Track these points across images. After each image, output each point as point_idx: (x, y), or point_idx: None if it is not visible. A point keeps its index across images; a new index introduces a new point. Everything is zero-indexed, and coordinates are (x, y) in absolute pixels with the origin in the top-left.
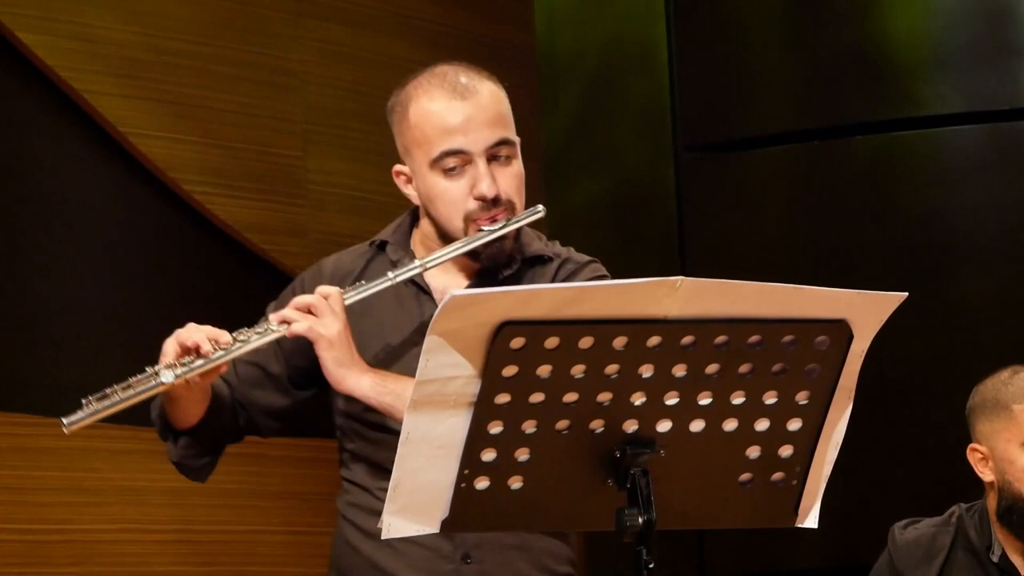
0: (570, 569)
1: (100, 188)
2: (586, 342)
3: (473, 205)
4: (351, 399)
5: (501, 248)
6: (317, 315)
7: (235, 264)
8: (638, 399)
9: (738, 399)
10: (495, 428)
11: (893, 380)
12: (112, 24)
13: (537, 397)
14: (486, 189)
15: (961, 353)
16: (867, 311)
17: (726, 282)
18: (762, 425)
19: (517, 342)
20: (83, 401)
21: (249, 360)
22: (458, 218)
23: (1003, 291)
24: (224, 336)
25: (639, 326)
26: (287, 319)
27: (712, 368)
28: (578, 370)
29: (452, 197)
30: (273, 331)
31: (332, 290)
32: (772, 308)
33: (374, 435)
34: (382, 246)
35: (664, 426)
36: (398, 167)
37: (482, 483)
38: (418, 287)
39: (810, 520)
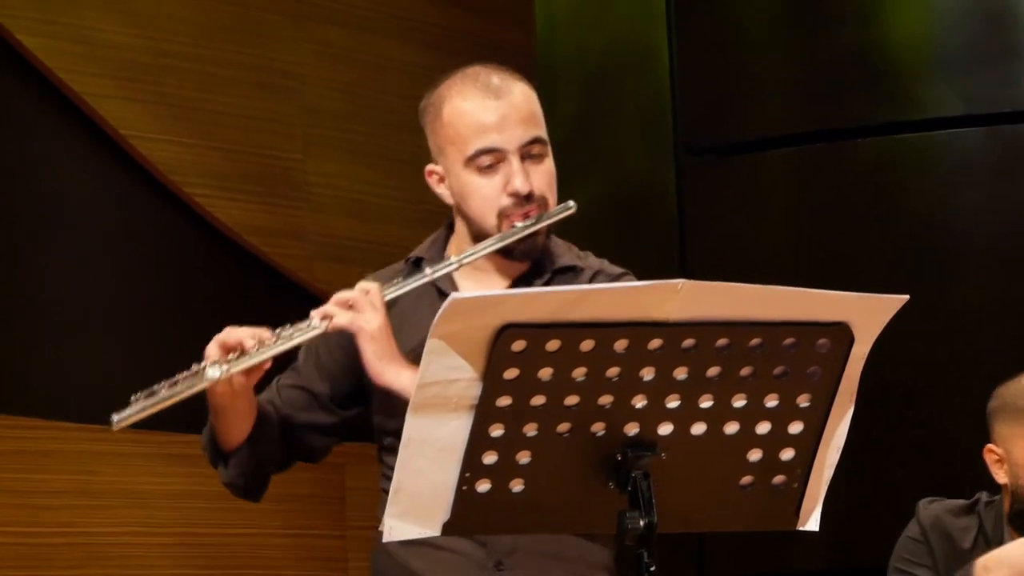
0: (605, 575)
1: (100, 190)
2: (587, 345)
3: (507, 201)
4: (388, 412)
5: (534, 244)
6: (358, 310)
7: (235, 266)
8: (639, 402)
9: (739, 402)
10: (496, 431)
11: (894, 383)
12: (112, 27)
13: (538, 400)
14: (520, 185)
15: (962, 356)
16: (868, 314)
17: (727, 285)
18: (763, 428)
19: (518, 345)
20: (132, 398)
21: (293, 384)
22: (492, 214)
23: (1004, 293)
24: (266, 334)
25: (640, 329)
26: (328, 314)
27: (713, 371)
28: (579, 373)
29: (486, 194)
30: (315, 327)
31: (372, 285)
32: (773, 311)
33: None
34: (418, 263)
35: (665, 429)
36: (430, 167)
37: (483, 486)
38: (441, 292)
39: (811, 523)
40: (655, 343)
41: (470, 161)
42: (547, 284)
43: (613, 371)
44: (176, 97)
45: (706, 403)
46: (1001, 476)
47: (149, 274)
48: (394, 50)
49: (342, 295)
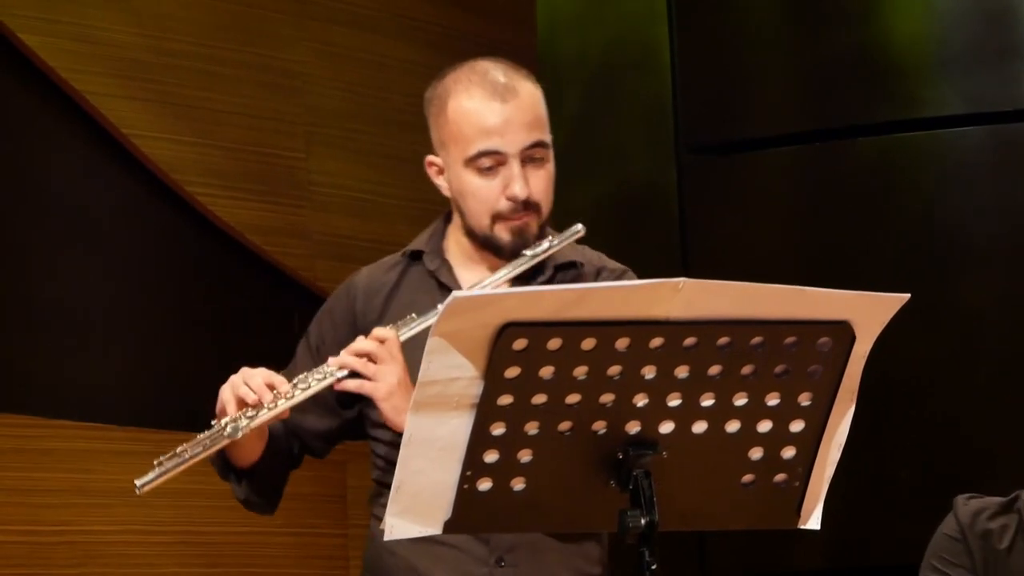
0: (600, 570)
1: (102, 189)
2: (588, 343)
3: (504, 205)
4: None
5: (543, 266)
6: (377, 362)
7: (237, 265)
8: (640, 400)
9: (740, 400)
10: (497, 429)
11: (895, 381)
12: (114, 25)
13: (539, 398)
14: (519, 191)
15: (963, 354)
16: (869, 312)
17: (728, 283)
18: (764, 426)
19: (520, 343)
20: (155, 463)
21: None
22: (487, 216)
23: (1005, 292)
24: (283, 384)
25: (641, 327)
26: (347, 365)
27: (714, 369)
28: (580, 371)
29: (484, 195)
30: (333, 375)
31: (388, 333)
32: (774, 309)
33: None
34: (415, 256)
35: (666, 427)
36: (431, 158)
37: (485, 484)
38: (448, 291)
39: (812, 521)
40: (656, 341)
41: (470, 161)
42: (549, 280)
43: (614, 369)
44: (178, 96)
45: (707, 401)
46: None
47: (150, 273)
48: (396, 49)
49: (360, 346)
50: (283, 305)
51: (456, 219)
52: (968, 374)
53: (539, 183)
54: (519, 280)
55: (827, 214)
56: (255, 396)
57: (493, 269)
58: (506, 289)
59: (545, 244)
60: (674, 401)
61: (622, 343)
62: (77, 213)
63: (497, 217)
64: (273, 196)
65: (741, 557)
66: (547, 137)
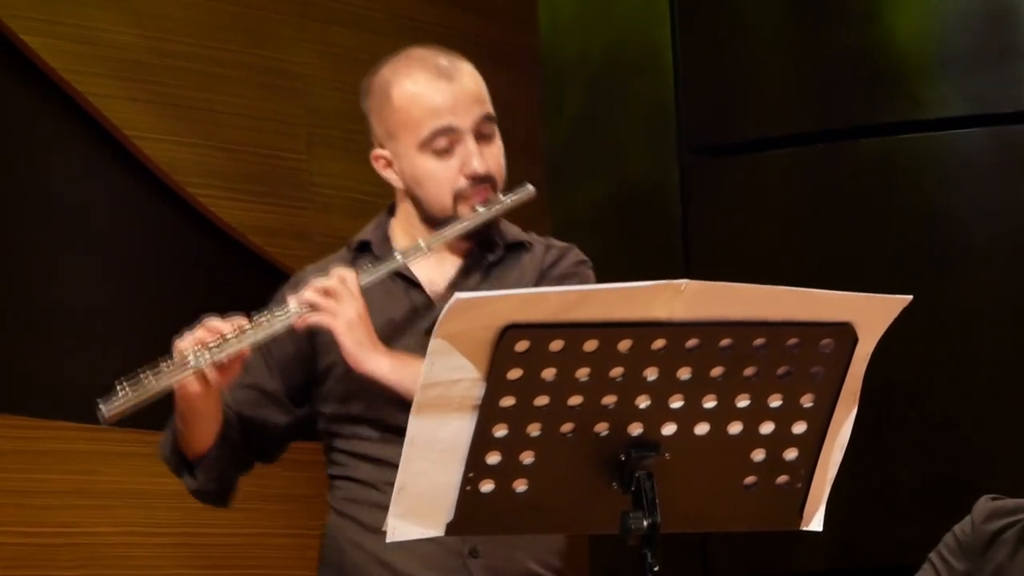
0: (559, 562)
1: (102, 190)
2: (590, 345)
3: (463, 183)
4: (346, 399)
5: (495, 243)
6: (335, 298)
7: (238, 266)
8: (643, 402)
9: (743, 402)
10: (500, 431)
11: (898, 383)
12: (115, 27)
13: (542, 400)
14: (477, 166)
15: (964, 355)
16: (872, 314)
17: (730, 285)
18: (767, 428)
19: (522, 345)
20: (117, 387)
21: (244, 383)
22: (448, 197)
23: (1007, 293)
24: (243, 321)
25: (643, 329)
26: (307, 301)
27: (717, 371)
28: (583, 373)
29: (443, 176)
30: (293, 312)
31: (347, 272)
32: (776, 311)
33: (372, 432)
34: (363, 247)
35: (669, 429)
36: (377, 151)
37: (487, 486)
38: (406, 279)
39: (815, 523)
40: (659, 343)
41: (425, 144)
42: (500, 261)
43: (617, 371)
44: (179, 97)
45: (710, 403)
46: None
47: (151, 274)
48: (397, 50)
49: (319, 283)
50: None
51: (406, 211)
52: (968, 374)
53: (492, 157)
54: (469, 260)
55: (828, 215)
56: (216, 328)
57: (443, 255)
58: (508, 291)
59: (498, 203)
60: (676, 403)
61: (624, 345)
62: (78, 214)
63: (459, 197)
64: (274, 197)
65: (743, 558)
66: (493, 112)
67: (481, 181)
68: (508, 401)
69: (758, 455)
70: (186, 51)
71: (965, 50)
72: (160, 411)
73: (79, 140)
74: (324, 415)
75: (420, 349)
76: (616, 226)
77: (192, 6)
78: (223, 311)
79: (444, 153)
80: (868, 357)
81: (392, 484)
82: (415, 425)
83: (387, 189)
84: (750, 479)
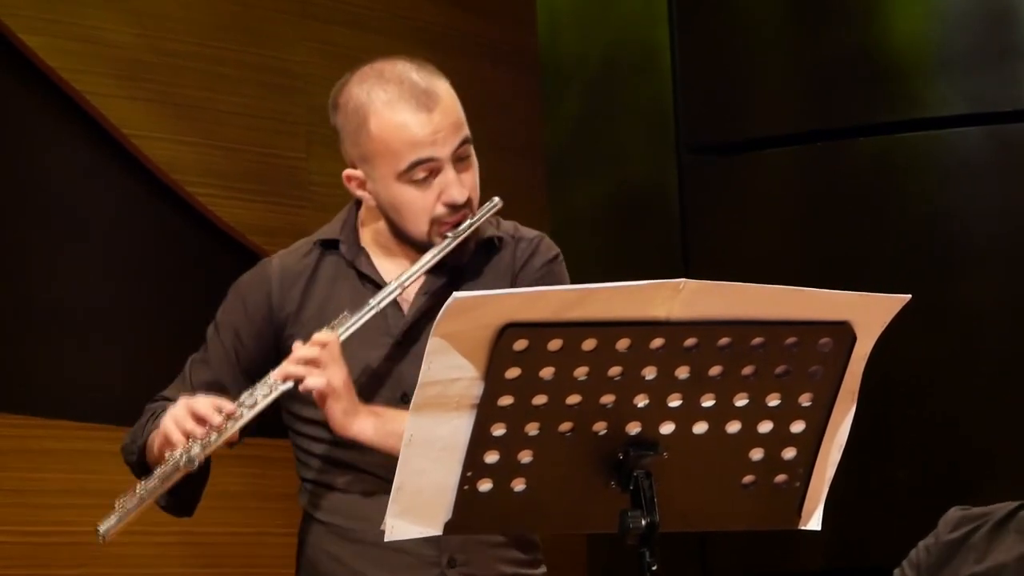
0: (534, 555)
1: (102, 189)
2: (589, 344)
3: (442, 210)
4: (317, 411)
5: (466, 245)
6: (320, 367)
7: (237, 266)
8: (641, 401)
9: (741, 401)
10: (498, 430)
11: (896, 382)
12: (114, 26)
13: (540, 399)
14: (456, 195)
15: (963, 355)
16: (870, 313)
17: (729, 284)
18: (765, 427)
19: (520, 344)
20: (115, 505)
21: (207, 380)
22: (425, 224)
23: (1005, 293)
24: (228, 405)
25: (642, 328)
26: (292, 375)
27: (715, 370)
28: (581, 372)
29: (420, 206)
30: (280, 388)
31: (329, 336)
32: (775, 310)
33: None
34: (328, 244)
35: (667, 428)
36: (350, 172)
37: (485, 485)
38: (375, 285)
39: (813, 522)
40: (657, 342)
41: (403, 175)
42: (472, 259)
43: (615, 370)
44: (178, 96)
45: (708, 402)
46: None
47: (150, 273)
48: (397, 50)
49: (301, 353)
50: None
51: (373, 220)
52: (968, 374)
53: (469, 181)
54: (445, 264)
55: (827, 214)
56: (202, 428)
57: (411, 258)
58: (507, 290)
59: (466, 224)
60: (675, 402)
61: (623, 344)
62: (77, 213)
63: (435, 223)
64: (274, 196)
65: (742, 558)
66: (468, 131)
67: (459, 208)
68: (506, 400)
69: (756, 454)
70: (186, 50)
71: (964, 50)
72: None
73: (78, 139)
74: (298, 417)
75: (389, 358)
76: (615, 225)
77: (192, 5)
78: None
79: (422, 182)
80: (866, 356)
81: (367, 491)
82: (413, 424)
83: None
84: (748, 478)
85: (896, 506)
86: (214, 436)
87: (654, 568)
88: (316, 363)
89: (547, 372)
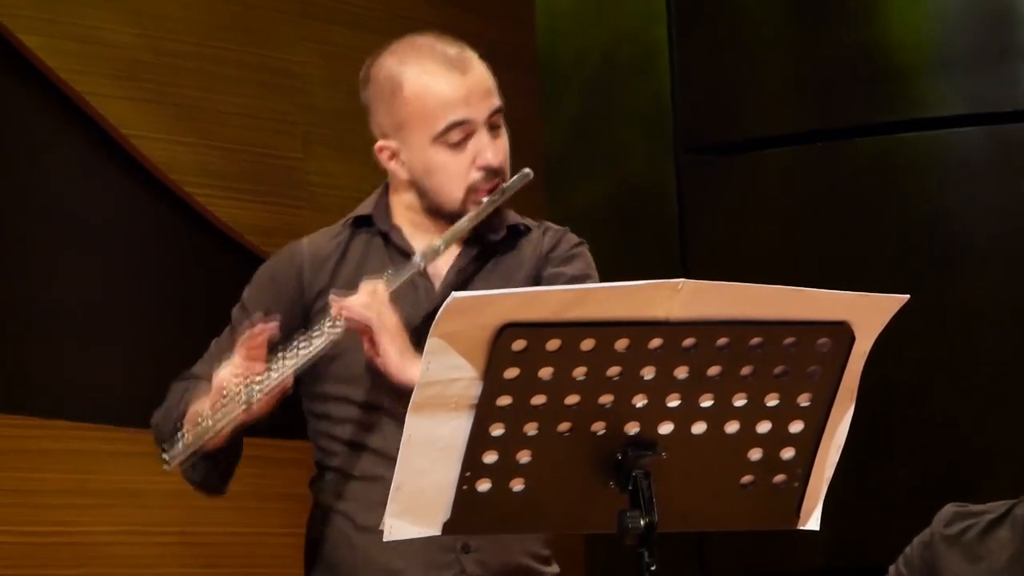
0: (549, 551)
1: (101, 190)
2: (587, 344)
3: (477, 176)
4: (349, 380)
5: (498, 222)
6: (371, 310)
7: (235, 266)
8: (640, 401)
9: (740, 401)
10: (497, 430)
11: (895, 382)
12: (113, 26)
13: (539, 399)
14: (491, 158)
15: (962, 355)
16: (869, 313)
17: (727, 284)
18: (764, 427)
19: (519, 344)
20: (178, 435)
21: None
22: (461, 190)
23: (1005, 293)
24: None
25: (640, 328)
26: (345, 316)
27: (714, 370)
28: (580, 372)
29: (456, 169)
30: (335, 330)
31: (377, 284)
32: (774, 310)
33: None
34: (360, 222)
35: (666, 428)
36: (382, 143)
37: (484, 485)
38: (403, 253)
39: (812, 522)
40: (655, 342)
41: (439, 137)
42: (503, 240)
43: (613, 370)
44: (177, 96)
45: (706, 402)
46: None
47: (149, 273)
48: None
49: (352, 300)
50: None
51: (404, 199)
52: (968, 374)
53: (502, 149)
54: (472, 242)
55: (827, 215)
56: (259, 367)
57: (442, 232)
58: (505, 290)
59: (499, 190)
60: (673, 402)
61: (621, 344)
62: (76, 213)
63: (470, 190)
64: (272, 196)
65: (740, 558)
66: (501, 102)
67: (493, 174)
68: (505, 400)
69: (755, 454)
70: (185, 50)
71: (963, 50)
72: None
73: (77, 139)
74: (320, 395)
75: (417, 330)
76: (614, 225)
77: (191, 5)
78: (220, 309)
79: (457, 146)
80: (865, 356)
81: (388, 478)
82: (412, 424)
83: None
84: (747, 478)
85: (896, 506)
86: (273, 375)
87: (653, 568)
88: (368, 307)
89: (546, 372)
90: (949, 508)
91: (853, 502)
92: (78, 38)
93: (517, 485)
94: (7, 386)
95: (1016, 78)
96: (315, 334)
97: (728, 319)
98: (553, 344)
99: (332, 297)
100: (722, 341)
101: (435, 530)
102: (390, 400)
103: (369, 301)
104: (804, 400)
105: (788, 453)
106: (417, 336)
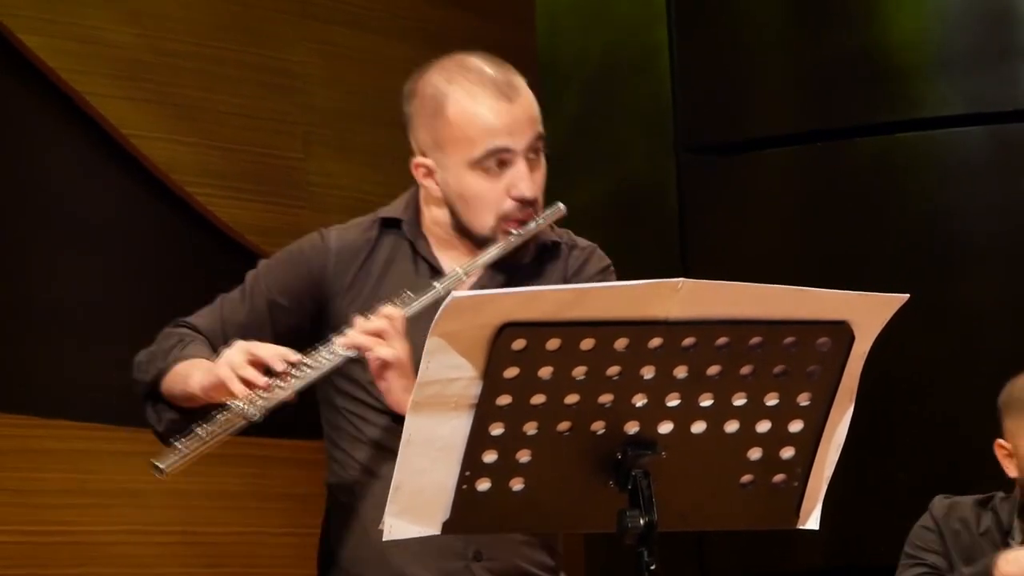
0: (556, 561)
1: (101, 190)
2: (587, 343)
3: (510, 205)
4: (375, 392)
5: (527, 245)
6: (386, 339)
7: (236, 265)
8: (639, 400)
9: (739, 400)
10: (496, 430)
11: (895, 381)
12: (113, 26)
13: (538, 399)
14: (526, 190)
15: (962, 354)
16: (868, 313)
17: (727, 283)
18: (763, 426)
19: (518, 344)
20: (176, 444)
21: (239, 322)
22: (492, 217)
23: (1004, 292)
24: (292, 354)
25: (640, 327)
26: (357, 345)
27: (713, 369)
28: (579, 371)
29: (491, 198)
30: (343, 354)
31: (395, 311)
32: (773, 309)
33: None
34: (390, 223)
35: (665, 427)
36: (420, 160)
37: (483, 485)
38: (428, 263)
39: (811, 521)
40: (655, 342)
41: (477, 163)
42: (534, 262)
43: (613, 370)
44: (177, 96)
45: (706, 402)
46: (1011, 470)
47: (149, 273)
48: (396, 49)
49: (369, 325)
50: None
51: (435, 212)
52: (968, 374)
53: (539, 180)
54: (504, 262)
55: (827, 214)
56: (263, 378)
57: (469, 252)
58: (505, 290)
59: (532, 224)
60: (673, 401)
61: (621, 343)
62: (76, 213)
63: (502, 218)
64: (272, 196)
65: (740, 557)
66: (543, 129)
67: (526, 205)
68: (505, 400)
69: (755, 454)
70: (184, 50)
71: (963, 50)
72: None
73: (78, 139)
74: (345, 394)
75: None
76: (614, 225)
77: (191, 5)
78: None
79: (493, 173)
80: (864, 356)
81: None
82: (412, 424)
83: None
84: (747, 478)
85: (895, 505)
86: (278, 390)
87: (652, 568)
88: (383, 335)
89: (545, 372)
90: (941, 501)
91: (853, 501)
92: (78, 38)
93: (517, 484)
94: (8, 386)
95: (1016, 78)
96: (325, 354)
97: (728, 318)
98: (553, 343)
99: (357, 319)
100: (722, 340)
101: (435, 529)
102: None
103: (385, 329)
104: (804, 399)
105: (788, 452)
106: None
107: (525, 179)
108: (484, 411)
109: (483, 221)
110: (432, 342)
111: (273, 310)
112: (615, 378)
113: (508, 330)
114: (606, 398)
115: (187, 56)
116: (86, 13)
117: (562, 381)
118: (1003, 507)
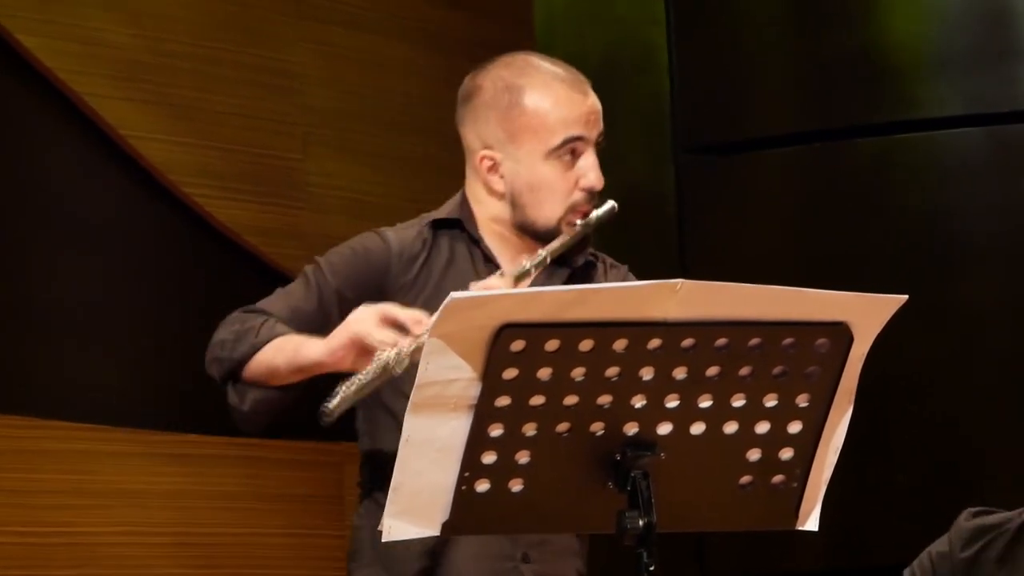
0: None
1: (100, 190)
2: (586, 345)
3: (579, 196)
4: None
5: (583, 247)
6: None
7: (234, 266)
8: (638, 401)
9: (738, 401)
10: (495, 431)
11: (894, 381)
12: (112, 26)
13: (537, 400)
14: (595, 180)
15: (962, 354)
16: (867, 314)
17: (726, 284)
18: (762, 428)
19: (517, 345)
20: (338, 389)
21: (310, 309)
22: (562, 208)
23: (1004, 293)
24: (424, 316)
25: (639, 329)
26: None
27: (712, 370)
28: (578, 373)
29: (562, 187)
30: None
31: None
32: (772, 311)
33: None
34: (443, 224)
35: (664, 428)
36: (486, 152)
37: (483, 486)
38: (489, 260)
39: (810, 523)
40: (654, 343)
41: (552, 152)
42: (580, 269)
43: (612, 371)
44: (175, 97)
45: (705, 403)
46: None
47: (148, 274)
48: (394, 50)
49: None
50: None
51: (489, 211)
52: (968, 374)
53: (601, 175)
54: (559, 263)
55: (826, 215)
56: (403, 336)
57: (527, 248)
58: (504, 290)
59: (593, 215)
60: (672, 402)
61: (620, 344)
62: (76, 213)
63: (570, 209)
64: (270, 197)
65: (740, 558)
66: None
67: (592, 196)
68: (504, 401)
69: (754, 455)
70: (183, 51)
71: (963, 50)
72: (158, 410)
73: (77, 140)
74: (401, 393)
75: None
76: (613, 225)
77: (189, 6)
78: (219, 310)
79: (566, 163)
80: (863, 357)
81: None
82: (411, 424)
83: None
84: (746, 479)
85: (895, 506)
86: (415, 349)
87: (652, 569)
88: None
89: (544, 373)
90: (966, 520)
91: (852, 502)
92: (77, 39)
93: (516, 485)
94: (7, 386)
95: (1016, 78)
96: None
97: (727, 320)
98: (552, 344)
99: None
100: (721, 341)
101: (434, 531)
102: None
103: None
104: (803, 400)
105: (787, 453)
106: None
107: (594, 169)
108: (483, 412)
109: (551, 211)
110: (431, 343)
111: (341, 302)
112: (614, 379)
113: (507, 331)
114: (605, 399)
115: (186, 57)
116: (85, 14)
117: (561, 382)
118: None
